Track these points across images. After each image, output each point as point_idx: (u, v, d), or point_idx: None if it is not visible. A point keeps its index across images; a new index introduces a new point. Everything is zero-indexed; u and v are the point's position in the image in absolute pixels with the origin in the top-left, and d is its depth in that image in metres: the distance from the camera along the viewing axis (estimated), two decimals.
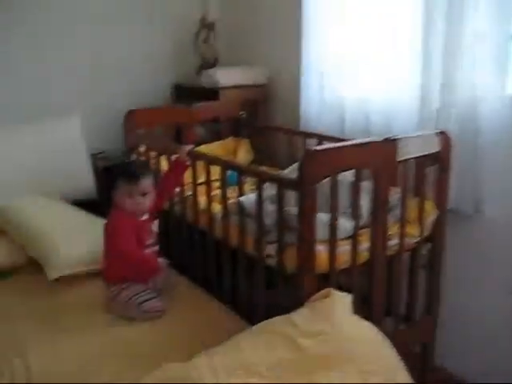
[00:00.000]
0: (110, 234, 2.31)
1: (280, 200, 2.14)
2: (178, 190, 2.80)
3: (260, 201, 2.24)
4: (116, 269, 2.33)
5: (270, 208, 2.27)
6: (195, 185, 2.71)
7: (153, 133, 3.35)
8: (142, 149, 3.15)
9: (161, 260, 2.41)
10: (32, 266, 2.63)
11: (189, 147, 2.62)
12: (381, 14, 2.71)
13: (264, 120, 3.73)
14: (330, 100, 3.09)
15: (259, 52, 3.89)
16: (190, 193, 2.80)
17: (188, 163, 2.59)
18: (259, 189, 2.24)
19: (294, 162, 2.43)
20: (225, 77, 3.61)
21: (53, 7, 3.52)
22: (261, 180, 2.24)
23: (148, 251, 2.38)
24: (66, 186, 3.31)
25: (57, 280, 2.47)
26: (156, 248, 2.45)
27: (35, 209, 2.86)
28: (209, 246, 2.69)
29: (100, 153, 3.79)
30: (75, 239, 2.64)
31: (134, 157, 3.21)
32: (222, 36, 4.01)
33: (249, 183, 2.73)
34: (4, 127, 3.22)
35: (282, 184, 2.12)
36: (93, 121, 3.62)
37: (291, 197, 2.14)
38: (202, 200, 2.74)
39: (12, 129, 3.23)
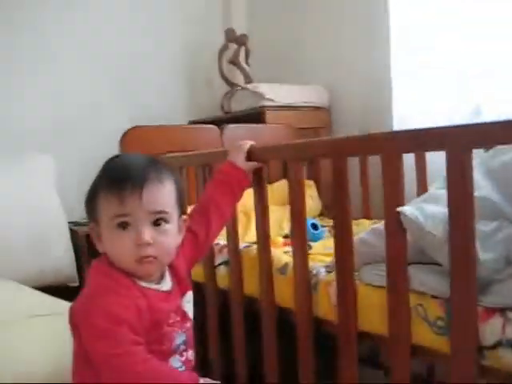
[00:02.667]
0: (80, 325, 0.96)
1: None
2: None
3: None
4: None
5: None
6: (264, 222, 1.38)
7: None
8: None
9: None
10: None
11: (250, 143, 1.34)
12: None
13: None
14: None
15: (308, 70, 2.74)
16: (250, 242, 1.48)
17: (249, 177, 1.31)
18: None
19: None
20: (273, 92, 2.41)
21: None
22: None
23: (173, 364, 1.02)
24: (28, 265, 2.00)
25: None
26: (190, 355, 1.07)
27: None
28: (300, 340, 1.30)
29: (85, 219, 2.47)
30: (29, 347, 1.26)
31: None
32: (253, 54, 2.87)
33: None
34: None
35: None
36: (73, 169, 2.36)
37: None
38: (279, 253, 1.42)
39: None
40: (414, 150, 1.29)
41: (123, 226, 0.97)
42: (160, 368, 0.94)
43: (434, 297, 1.00)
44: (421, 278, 1.03)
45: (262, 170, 1.33)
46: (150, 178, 0.99)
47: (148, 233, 0.97)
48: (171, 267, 1.09)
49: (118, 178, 0.98)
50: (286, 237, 1.88)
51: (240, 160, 1.28)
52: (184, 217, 1.09)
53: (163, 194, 1.00)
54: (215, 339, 1.59)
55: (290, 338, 1.39)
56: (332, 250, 1.58)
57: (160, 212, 0.99)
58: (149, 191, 0.98)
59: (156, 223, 0.99)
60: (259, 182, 1.34)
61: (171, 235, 1.02)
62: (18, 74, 2.37)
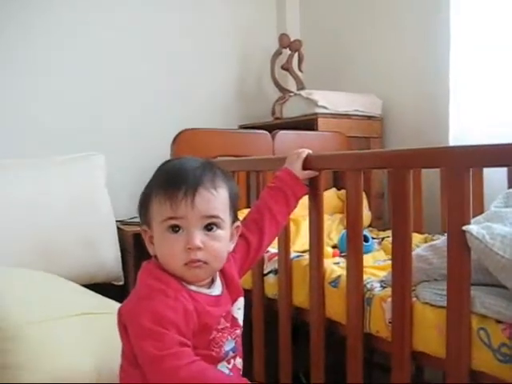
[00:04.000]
0: (128, 326, 0.96)
1: None
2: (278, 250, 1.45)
3: None
4: None
5: None
6: (319, 234, 1.35)
7: None
8: None
9: None
10: None
11: (307, 151, 1.31)
12: None
13: None
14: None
15: (361, 79, 2.69)
16: (298, 251, 1.46)
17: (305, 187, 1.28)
18: None
19: None
20: (326, 100, 2.37)
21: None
22: None
23: (222, 368, 1.01)
24: (76, 262, 2.01)
25: None
26: (238, 363, 1.06)
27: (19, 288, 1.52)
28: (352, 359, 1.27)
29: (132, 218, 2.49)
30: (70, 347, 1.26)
31: None
32: (306, 60, 2.83)
33: None
34: None
35: None
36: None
37: None
38: (330, 264, 1.39)
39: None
40: (484, 166, 1.23)
41: (175, 229, 0.96)
42: (207, 371, 0.91)
43: (498, 321, 0.95)
44: (483, 300, 0.98)
45: (318, 179, 1.30)
46: (204, 183, 0.97)
47: (199, 237, 0.96)
48: (223, 272, 1.07)
49: (171, 181, 0.97)
50: (334, 247, 1.85)
51: (297, 168, 1.26)
52: (237, 223, 1.07)
53: (216, 199, 0.99)
54: (260, 347, 1.57)
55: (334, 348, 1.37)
56: (382, 264, 1.55)
57: (212, 217, 0.98)
58: (202, 195, 0.96)
59: (208, 228, 0.98)
60: (314, 192, 1.31)
61: (222, 241, 1.00)
62: (73, 76, 2.40)
